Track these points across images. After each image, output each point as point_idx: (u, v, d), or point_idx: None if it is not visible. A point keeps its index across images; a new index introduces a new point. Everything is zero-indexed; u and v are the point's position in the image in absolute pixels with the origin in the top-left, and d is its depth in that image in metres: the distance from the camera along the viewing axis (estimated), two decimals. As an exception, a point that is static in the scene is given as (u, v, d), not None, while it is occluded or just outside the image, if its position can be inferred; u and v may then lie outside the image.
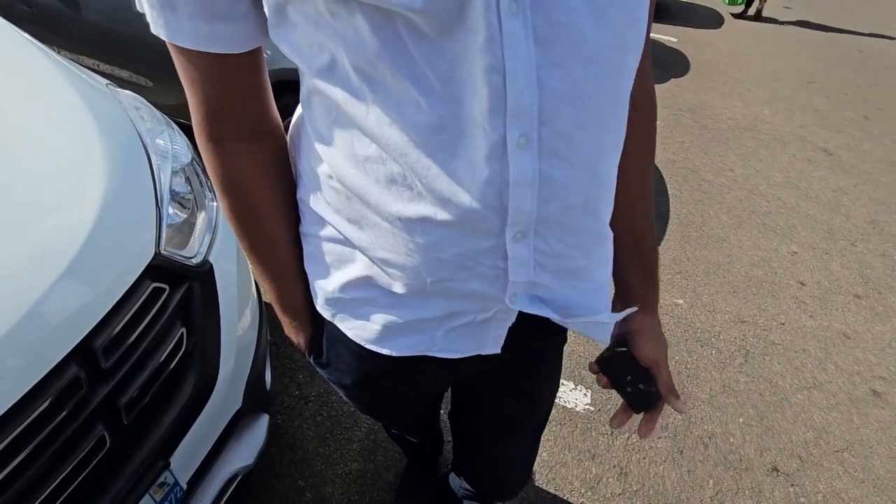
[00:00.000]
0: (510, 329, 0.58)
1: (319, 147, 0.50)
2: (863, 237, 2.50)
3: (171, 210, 0.93)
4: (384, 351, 0.59)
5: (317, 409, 1.51)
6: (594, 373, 0.70)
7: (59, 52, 1.12)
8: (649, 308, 0.66)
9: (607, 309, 0.59)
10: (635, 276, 0.66)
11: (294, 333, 0.68)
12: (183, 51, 0.46)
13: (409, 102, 0.41)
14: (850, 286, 2.21)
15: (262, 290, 1.36)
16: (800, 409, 1.70)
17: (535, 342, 0.68)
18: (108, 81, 1.12)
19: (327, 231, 0.55)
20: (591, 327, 0.57)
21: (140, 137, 0.96)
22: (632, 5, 0.42)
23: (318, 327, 0.65)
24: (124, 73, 2.19)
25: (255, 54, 0.49)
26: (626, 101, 0.46)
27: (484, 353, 0.60)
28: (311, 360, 0.70)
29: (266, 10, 0.44)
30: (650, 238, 0.65)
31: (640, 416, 0.69)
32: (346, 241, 0.54)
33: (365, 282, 0.56)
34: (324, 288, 0.59)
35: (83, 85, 1.00)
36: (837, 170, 3.01)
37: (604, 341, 0.60)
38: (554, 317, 0.53)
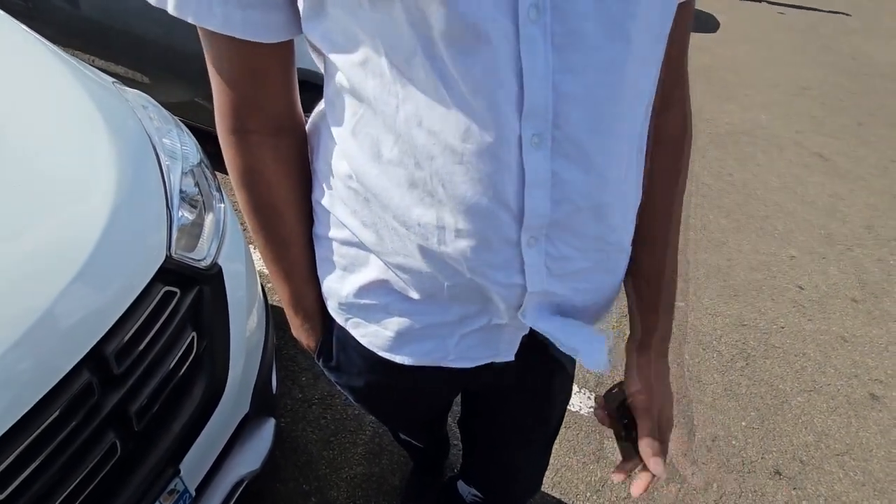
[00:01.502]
0: (523, 339, 0.58)
1: (341, 147, 0.49)
2: (859, 242, 2.53)
3: (180, 212, 0.91)
4: (397, 359, 0.59)
5: (320, 412, 1.50)
6: (598, 405, 0.65)
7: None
8: (647, 345, 0.61)
9: (594, 321, 0.55)
10: (642, 308, 0.61)
11: (304, 336, 0.66)
12: (213, 36, 0.44)
13: (439, 105, 0.40)
14: (848, 290, 2.24)
15: (268, 288, 1.34)
16: (800, 411, 1.71)
17: (548, 351, 0.67)
18: (113, 79, 1.10)
19: (342, 234, 0.54)
20: (584, 348, 0.54)
21: (149, 137, 0.94)
22: (651, 21, 0.42)
23: (328, 330, 0.64)
24: (119, 69, 2.16)
25: (285, 46, 0.48)
26: (642, 112, 0.47)
27: (498, 360, 0.60)
28: (321, 364, 0.69)
29: (300, 2, 0.43)
30: (665, 274, 0.60)
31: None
32: (360, 245, 0.54)
33: (380, 286, 0.55)
34: (337, 292, 0.58)
35: (90, 83, 0.98)
36: (833, 175, 3.03)
37: (594, 367, 0.55)
38: (555, 336, 0.52)
